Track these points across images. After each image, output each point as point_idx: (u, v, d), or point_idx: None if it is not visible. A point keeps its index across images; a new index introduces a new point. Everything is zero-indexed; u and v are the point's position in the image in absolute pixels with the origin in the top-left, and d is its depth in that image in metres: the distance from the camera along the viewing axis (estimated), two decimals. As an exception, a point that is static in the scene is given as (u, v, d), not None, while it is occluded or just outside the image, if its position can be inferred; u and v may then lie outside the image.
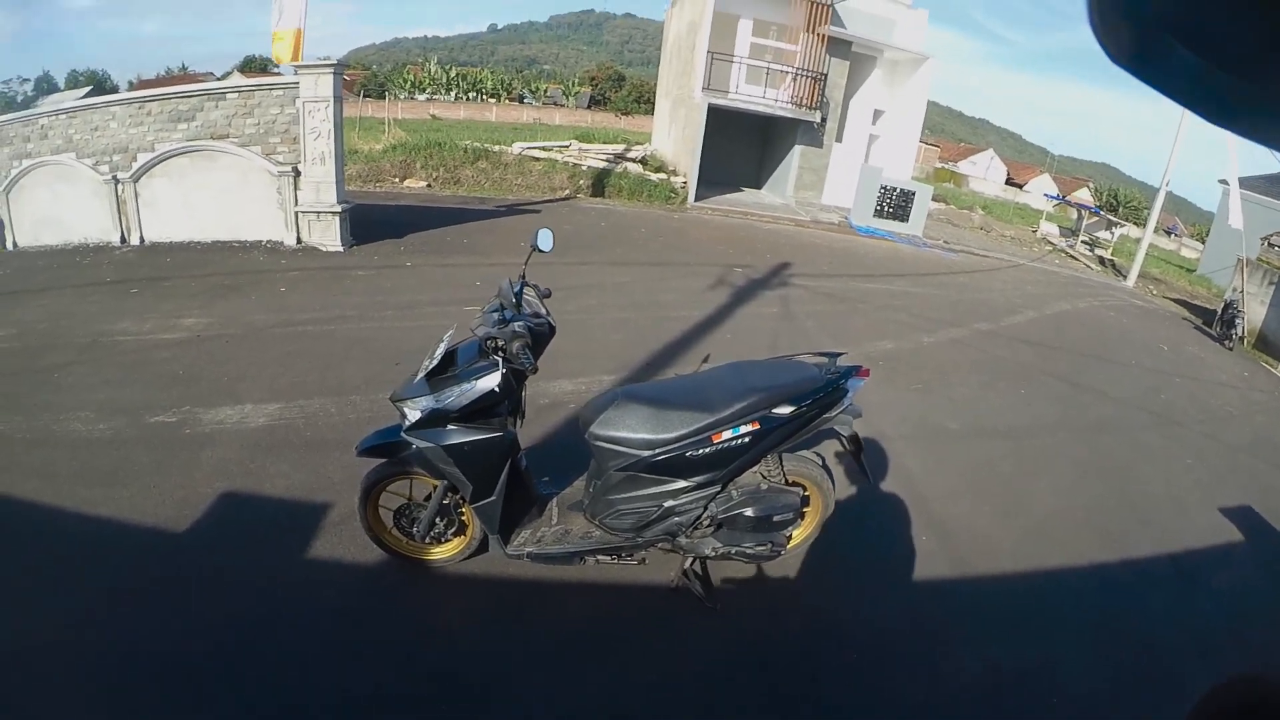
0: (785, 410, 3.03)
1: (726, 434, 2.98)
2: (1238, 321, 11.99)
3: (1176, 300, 16.41)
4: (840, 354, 3.39)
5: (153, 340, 5.81)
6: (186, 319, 6.31)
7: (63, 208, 9.06)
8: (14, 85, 65.68)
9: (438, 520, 3.25)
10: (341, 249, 9.06)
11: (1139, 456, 6.10)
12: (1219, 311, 12.69)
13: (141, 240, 8.96)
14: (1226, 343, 11.80)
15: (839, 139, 18.22)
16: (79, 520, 3.55)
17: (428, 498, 3.23)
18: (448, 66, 62.47)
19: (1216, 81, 0.32)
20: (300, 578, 3.32)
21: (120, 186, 8.83)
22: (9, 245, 9.31)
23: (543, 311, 3.21)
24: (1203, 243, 28.53)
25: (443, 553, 3.38)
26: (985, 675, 3.32)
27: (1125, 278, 17.16)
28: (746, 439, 3.00)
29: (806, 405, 3.07)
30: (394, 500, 3.28)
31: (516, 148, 16.22)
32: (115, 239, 8.95)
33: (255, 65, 59.25)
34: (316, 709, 2.68)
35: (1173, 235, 38.55)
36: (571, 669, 3.03)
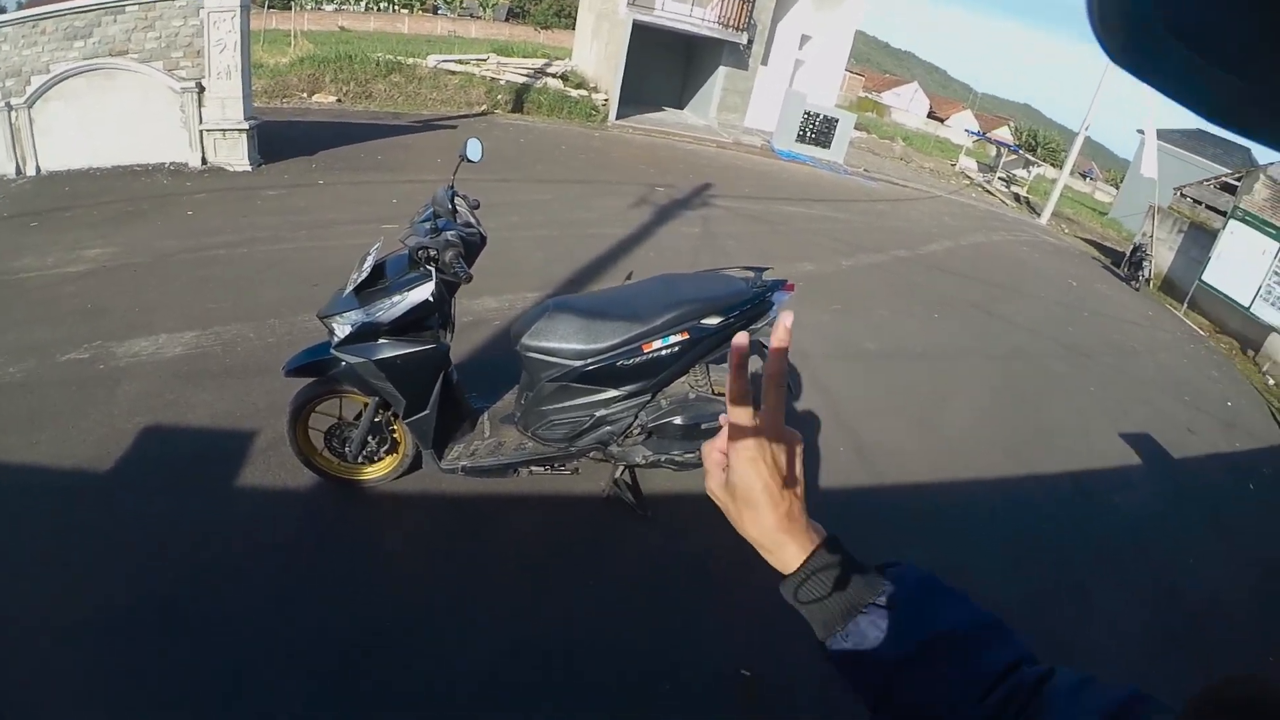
0: (713, 321, 3.12)
1: (656, 344, 3.05)
2: (1145, 264, 12.67)
3: (1087, 240, 17.17)
4: (766, 269, 3.48)
5: (57, 275, 5.43)
6: (90, 250, 5.92)
7: (-49, 141, 8.31)
8: (-110, 9, 58.57)
9: (370, 439, 3.23)
10: (250, 168, 8.62)
11: (1047, 383, 6.49)
12: (1128, 254, 13.41)
13: (38, 170, 8.26)
14: (1133, 283, 12.48)
15: (764, 62, 18.05)
16: (-4, 470, 3.37)
17: (358, 416, 3.21)
18: (357, -24, 58.87)
19: (1215, 79, 0.31)
20: (232, 509, 3.25)
21: (14, 114, 8.08)
22: (-109, 186, 8.50)
23: (474, 221, 3.18)
24: (1117, 188, 29.72)
25: (375, 472, 3.37)
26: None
27: (1039, 215, 17.82)
28: (676, 349, 3.08)
29: (734, 316, 3.17)
30: (324, 421, 3.24)
31: (431, 61, 15.52)
32: (10, 171, 8.21)
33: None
34: (260, 649, 2.65)
35: (1088, 179, 39.91)
36: (513, 582, 3.11)
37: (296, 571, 3.01)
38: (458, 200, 3.19)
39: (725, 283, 3.35)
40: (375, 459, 3.35)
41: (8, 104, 8.03)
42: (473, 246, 3.04)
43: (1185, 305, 11.82)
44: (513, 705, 2.59)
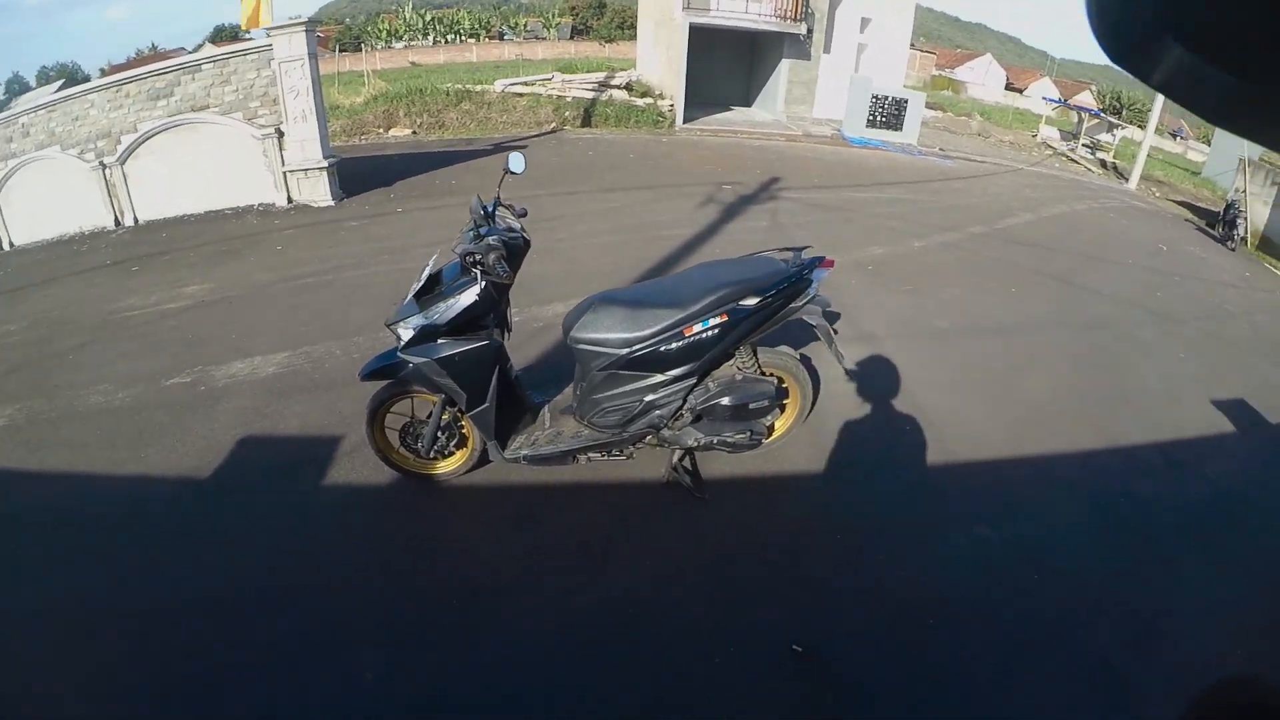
0: (752, 301, 3.19)
1: (697, 327, 3.16)
2: (1239, 222, 11.80)
3: (1179, 202, 16.17)
4: (805, 248, 3.53)
5: (159, 311, 5.99)
6: (189, 287, 6.48)
7: (54, 200, 9.13)
8: (-18, 92, 64.42)
9: (440, 434, 3.46)
10: (332, 203, 9.15)
11: (1133, 351, 6.11)
12: (1221, 212, 12.50)
13: (136, 220, 9.06)
14: (1229, 244, 11.66)
15: (827, 50, 17.87)
16: (110, 481, 3.78)
17: (429, 415, 3.43)
18: (422, 11, 60.98)
19: (1216, 81, 0.31)
20: (321, 506, 3.55)
21: (108, 171, 8.89)
22: (5, 245, 9.41)
23: (517, 227, 3.36)
24: (1209, 145, 27.88)
25: (447, 466, 3.61)
26: (971, 552, 3.46)
27: (1127, 180, 16.91)
28: (716, 330, 3.18)
29: (771, 296, 3.23)
30: (398, 421, 3.50)
31: (499, 85, 16.04)
32: (110, 223, 9.05)
33: (226, 34, 58.23)
34: (350, 627, 2.90)
35: (1178, 138, 37.67)
36: (574, 562, 3.26)
37: (377, 555, 3.27)
38: (502, 209, 3.39)
39: (763, 264, 3.43)
40: (446, 454, 3.58)
41: (101, 163, 8.83)
42: (515, 250, 3.22)
43: (1285, 262, 11.00)
44: (569, 672, 2.73)
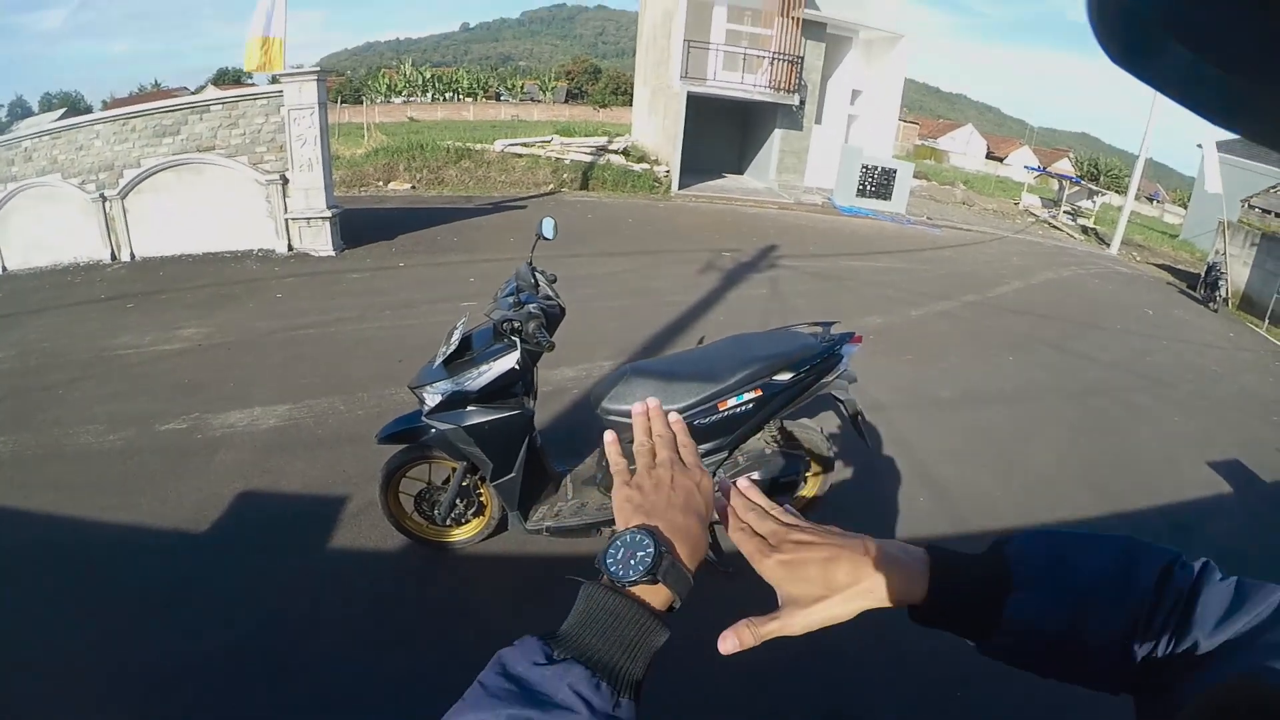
0: (785, 377, 3.17)
1: (731, 401, 3.11)
2: (1221, 283, 12.19)
3: (1160, 265, 16.61)
4: (833, 323, 3.53)
5: (154, 352, 5.86)
6: (186, 329, 6.37)
7: (51, 229, 9.03)
8: (-15, 113, 64.67)
9: (458, 502, 3.36)
10: (334, 253, 9.12)
11: (1129, 416, 6.25)
12: (1202, 274, 12.90)
13: (133, 256, 8.97)
14: (1211, 305, 12.00)
15: (818, 121, 18.35)
16: (99, 528, 3.60)
17: (446, 481, 3.34)
18: (422, 68, 62.29)
19: (1216, 81, 0.31)
20: (325, 569, 3.40)
21: (108, 204, 8.83)
22: (-1, 270, 9.30)
23: (553, 294, 3.32)
24: (1185, 208, 28.76)
25: (463, 534, 3.49)
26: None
27: (1109, 245, 17.38)
28: (750, 405, 3.14)
29: (804, 371, 3.21)
30: (414, 486, 3.39)
31: (498, 145, 16.24)
32: (106, 256, 8.95)
33: (229, 78, 59.09)
34: (352, 700, 2.74)
35: (1155, 201, 38.92)
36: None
37: (385, 625, 3.11)
38: (537, 275, 3.35)
39: (794, 339, 3.42)
40: (463, 521, 3.47)
41: (102, 195, 8.76)
42: (553, 318, 3.17)
43: (1267, 321, 11.37)
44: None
